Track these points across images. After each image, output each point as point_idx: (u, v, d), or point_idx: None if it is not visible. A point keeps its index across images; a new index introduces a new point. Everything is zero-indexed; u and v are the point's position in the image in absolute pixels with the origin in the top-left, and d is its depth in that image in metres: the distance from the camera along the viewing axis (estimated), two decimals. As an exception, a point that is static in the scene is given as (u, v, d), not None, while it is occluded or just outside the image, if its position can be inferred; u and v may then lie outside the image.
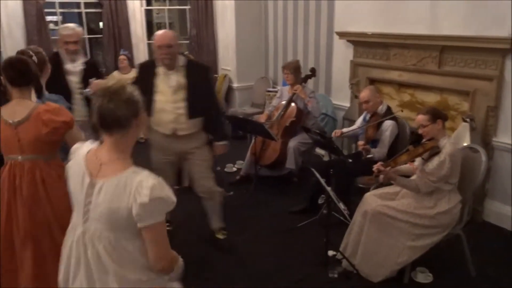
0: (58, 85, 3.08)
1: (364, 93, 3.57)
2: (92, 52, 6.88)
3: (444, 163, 2.58)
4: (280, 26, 5.81)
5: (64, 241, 1.56)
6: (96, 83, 3.15)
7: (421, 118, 2.72)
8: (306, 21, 5.31)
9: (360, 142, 3.50)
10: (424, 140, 2.72)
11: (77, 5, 6.66)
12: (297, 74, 4.27)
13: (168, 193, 1.39)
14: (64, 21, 6.40)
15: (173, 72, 2.84)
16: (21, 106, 2.05)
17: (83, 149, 1.54)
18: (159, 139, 3.01)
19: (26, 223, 2.03)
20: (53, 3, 6.26)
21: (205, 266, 3.03)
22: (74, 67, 3.34)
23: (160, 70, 2.85)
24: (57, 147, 2.14)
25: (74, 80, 3.32)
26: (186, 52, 5.56)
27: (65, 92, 3.04)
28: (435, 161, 2.63)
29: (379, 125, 3.49)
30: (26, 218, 2.03)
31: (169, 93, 2.84)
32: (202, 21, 6.14)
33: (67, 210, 1.66)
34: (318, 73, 4.88)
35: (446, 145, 2.65)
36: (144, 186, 1.35)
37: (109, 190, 1.40)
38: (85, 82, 3.29)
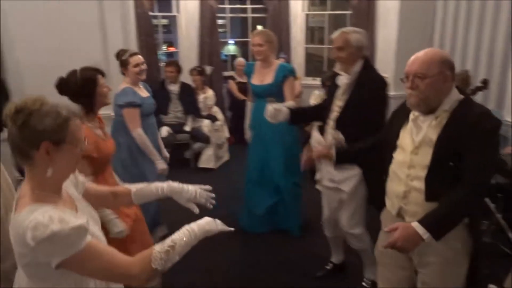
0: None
1: None
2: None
3: None
4: (448, 29, 5.35)
5: None
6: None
7: None
8: (480, 24, 4.78)
9: None
10: None
11: (242, 10, 7.16)
12: (463, 87, 3.96)
13: (57, 226, 1.15)
14: (231, 25, 6.95)
15: (427, 119, 1.81)
16: None
17: None
18: (386, 221, 2.01)
19: None
20: (224, 8, 6.83)
21: None
22: (341, 80, 2.68)
23: (413, 114, 1.89)
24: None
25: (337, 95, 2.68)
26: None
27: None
28: None
29: None
30: None
31: (408, 150, 1.86)
32: (363, 25, 6.01)
33: None
34: (490, 85, 4.40)
35: None
36: (29, 227, 1.14)
37: (12, 228, 1.23)
38: (349, 99, 2.57)
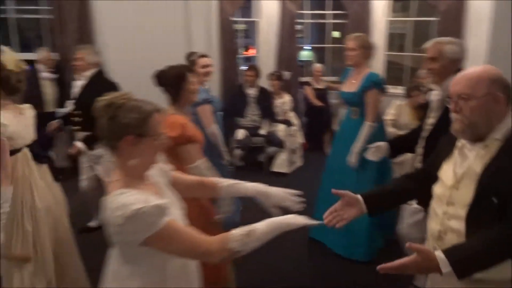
0: None
1: None
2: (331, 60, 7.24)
3: None
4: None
5: None
6: None
7: None
8: None
9: None
10: None
11: (321, 15, 7.11)
12: None
13: (140, 205, 1.26)
14: (308, 30, 6.90)
15: (474, 147, 1.54)
16: None
17: None
18: None
19: None
20: (302, 14, 6.81)
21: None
22: (433, 95, 2.58)
23: (460, 141, 1.61)
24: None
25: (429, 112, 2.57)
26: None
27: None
28: None
29: None
30: None
31: (448, 184, 1.59)
32: (450, 33, 5.70)
33: None
34: None
35: None
36: (116, 208, 1.28)
37: (105, 210, 1.35)
38: (441, 116, 2.44)
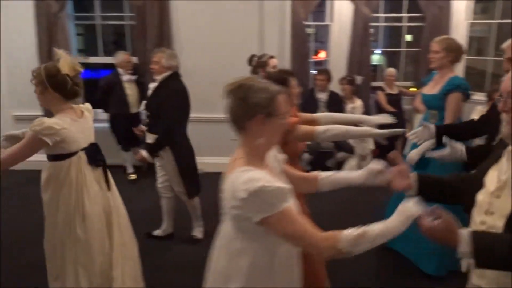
0: None
1: None
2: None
3: None
4: None
5: None
6: None
7: None
8: None
9: None
10: None
11: (395, 18, 6.89)
12: None
13: (266, 183, 1.31)
14: (381, 33, 6.68)
15: None
16: None
17: None
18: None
19: None
20: (377, 17, 6.64)
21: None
22: None
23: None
24: None
25: None
26: None
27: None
28: None
29: None
30: None
31: (490, 191, 1.45)
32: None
33: None
34: None
35: None
36: (242, 182, 1.32)
37: (226, 187, 1.42)
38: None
